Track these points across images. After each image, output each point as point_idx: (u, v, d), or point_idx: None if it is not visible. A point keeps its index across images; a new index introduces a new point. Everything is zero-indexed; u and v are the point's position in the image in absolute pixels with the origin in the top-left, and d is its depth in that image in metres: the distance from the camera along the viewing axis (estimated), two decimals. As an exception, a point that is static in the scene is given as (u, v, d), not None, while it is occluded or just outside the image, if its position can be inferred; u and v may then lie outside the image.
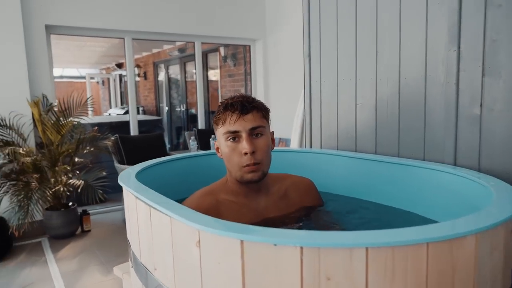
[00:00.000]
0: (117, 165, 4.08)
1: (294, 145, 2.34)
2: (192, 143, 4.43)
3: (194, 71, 6.45)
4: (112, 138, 4.10)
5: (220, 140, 1.22)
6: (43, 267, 2.86)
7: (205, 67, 6.54)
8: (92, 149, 3.74)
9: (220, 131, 1.21)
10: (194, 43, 4.67)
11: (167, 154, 4.26)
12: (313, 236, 0.80)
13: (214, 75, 6.50)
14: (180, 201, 1.24)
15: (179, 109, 7.27)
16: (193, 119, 6.54)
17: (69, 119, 3.38)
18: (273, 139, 1.32)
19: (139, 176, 1.34)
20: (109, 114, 8.63)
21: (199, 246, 0.85)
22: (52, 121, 3.31)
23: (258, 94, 5.05)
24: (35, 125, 3.36)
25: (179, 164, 1.61)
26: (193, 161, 1.66)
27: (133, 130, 4.44)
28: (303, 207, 1.37)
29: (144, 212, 1.10)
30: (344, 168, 1.66)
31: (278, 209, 1.30)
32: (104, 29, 3.94)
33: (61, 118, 3.33)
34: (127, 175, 1.34)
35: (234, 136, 1.19)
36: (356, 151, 1.77)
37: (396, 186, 1.51)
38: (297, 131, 2.21)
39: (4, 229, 3.07)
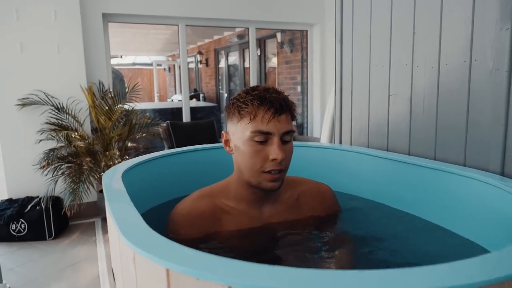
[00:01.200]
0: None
1: (324, 140, 2.12)
2: None
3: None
4: (163, 124, 4.19)
5: (240, 136, 1.04)
6: (92, 247, 2.99)
7: (263, 53, 6.42)
8: (144, 134, 3.85)
9: (245, 127, 1.02)
10: (248, 29, 4.56)
11: (217, 142, 4.24)
12: (247, 273, 0.58)
13: (272, 61, 6.35)
14: (177, 200, 1.14)
15: (237, 96, 7.25)
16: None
17: (118, 106, 3.48)
18: None
19: (130, 174, 1.23)
20: (172, 100, 8.94)
21: (134, 265, 0.73)
22: (107, 107, 3.45)
23: (314, 81, 4.81)
24: (90, 111, 3.52)
25: (179, 159, 1.49)
26: (196, 156, 1.54)
27: (185, 117, 4.49)
28: (315, 217, 1.20)
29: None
30: (372, 168, 1.44)
31: (284, 218, 1.15)
32: (158, 16, 3.98)
33: (111, 104, 3.45)
34: (111, 174, 1.19)
35: (265, 138, 1.01)
36: (387, 150, 1.53)
37: (429, 194, 1.26)
38: (327, 125, 1.99)
39: (60, 208, 3.28)
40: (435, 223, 1.25)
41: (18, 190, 3.38)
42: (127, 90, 4.31)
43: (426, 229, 1.25)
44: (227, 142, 1.12)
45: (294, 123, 1.10)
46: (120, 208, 0.91)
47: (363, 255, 1.11)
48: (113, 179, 1.10)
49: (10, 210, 3.16)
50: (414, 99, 1.40)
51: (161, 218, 1.11)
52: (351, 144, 1.70)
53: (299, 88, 5.23)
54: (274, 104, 1.01)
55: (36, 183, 3.26)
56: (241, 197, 1.11)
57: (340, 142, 1.75)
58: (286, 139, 1.03)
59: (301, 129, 5.18)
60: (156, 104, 7.74)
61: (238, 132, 1.05)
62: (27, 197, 3.34)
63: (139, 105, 6.02)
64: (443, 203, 1.22)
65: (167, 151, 1.41)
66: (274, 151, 1.00)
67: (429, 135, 1.36)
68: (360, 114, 1.64)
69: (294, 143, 1.58)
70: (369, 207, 1.43)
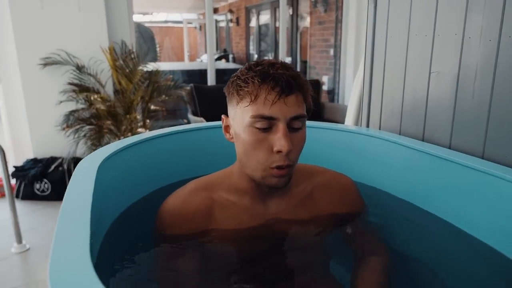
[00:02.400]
0: (190, 116, 4.05)
1: (349, 121, 1.86)
2: None
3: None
4: (187, 88, 4.05)
5: (240, 121, 0.85)
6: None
7: (295, 12, 6.04)
8: (166, 98, 3.74)
9: (245, 110, 0.83)
10: (279, -15, 4.23)
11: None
12: None
13: (305, 22, 5.97)
14: (170, 187, 0.99)
15: (267, 57, 6.98)
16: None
17: (139, 68, 3.35)
18: None
19: (115, 160, 1.04)
20: (201, 61, 8.75)
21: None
22: (128, 70, 3.34)
23: (348, 44, 4.48)
24: (112, 72, 3.43)
25: (172, 140, 1.29)
26: (195, 136, 1.35)
27: (210, 80, 4.32)
28: (333, 214, 1.01)
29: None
30: (404, 161, 1.21)
31: (295, 216, 0.96)
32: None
33: (132, 66, 3.33)
34: (83, 169, 0.96)
35: (269, 124, 0.82)
36: (423, 140, 1.29)
37: (473, 203, 1.03)
38: (353, 103, 1.72)
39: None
40: (482, 240, 1.01)
41: (43, 150, 3.41)
42: (157, 48, 4.15)
43: (471, 245, 1.04)
44: (227, 128, 0.93)
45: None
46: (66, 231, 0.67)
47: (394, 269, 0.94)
48: (84, 174, 0.90)
49: (35, 170, 3.20)
50: (462, 80, 1.13)
51: (151, 209, 0.97)
52: (380, 129, 1.46)
53: (331, 51, 4.90)
54: (279, 82, 0.81)
55: (60, 144, 3.26)
56: (243, 190, 0.94)
57: (368, 125, 1.50)
58: (295, 125, 0.84)
59: (332, 95, 4.90)
60: (185, 65, 7.57)
61: (237, 117, 0.87)
62: (51, 157, 3.37)
63: (167, 66, 5.91)
64: (492, 216, 0.99)
65: (158, 132, 1.23)
66: (279, 141, 0.81)
67: (479, 126, 1.10)
68: (393, 93, 1.38)
69: (310, 123, 1.37)
70: (397, 206, 1.22)
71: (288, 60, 6.27)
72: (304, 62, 5.90)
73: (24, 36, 3.18)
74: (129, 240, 1.03)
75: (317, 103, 4.61)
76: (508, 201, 0.95)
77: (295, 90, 0.83)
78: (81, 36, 3.33)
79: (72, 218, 0.71)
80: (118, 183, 1.10)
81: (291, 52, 6.26)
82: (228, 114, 0.92)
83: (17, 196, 3.14)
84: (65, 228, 0.67)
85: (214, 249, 0.94)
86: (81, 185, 0.86)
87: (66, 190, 0.84)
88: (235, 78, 0.87)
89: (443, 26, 1.20)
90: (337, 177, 1.04)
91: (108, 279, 0.85)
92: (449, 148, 1.20)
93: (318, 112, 4.72)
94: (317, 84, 4.66)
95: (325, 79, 4.96)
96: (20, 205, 3.04)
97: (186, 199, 0.94)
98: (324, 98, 5.01)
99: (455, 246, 1.08)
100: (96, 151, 1.08)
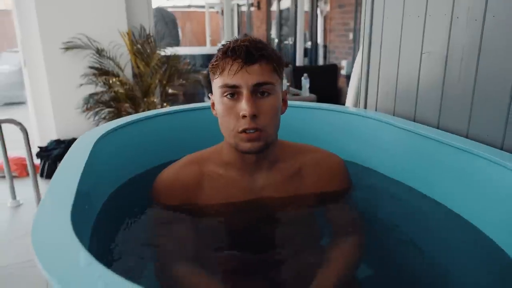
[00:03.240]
0: (206, 99, 4.12)
1: (349, 102, 1.86)
2: (305, 81, 3.74)
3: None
4: (205, 72, 4.11)
5: (216, 94, 0.95)
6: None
7: (316, -4, 5.94)
8: (183, 81, 3.81)
9: (216, 83, 0.93)
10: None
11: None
12: None
13: (326, 5, 5.86)
14: (163, 166, 1.06)
15: (287, 42, 6.91)
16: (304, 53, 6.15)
17: (157, 52, 3.42)
18: (285, 100, 1.00)
19: (115, 136, 1.11)
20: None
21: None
22: (147, 53, 3.41)
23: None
24: (130, 56, 3.51)
25: (169, 119, 1.34)
26: (189, 116, 1.40)
27: (227, 64, 4.36)
28: (320, 193, 1.05)
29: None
30: (394, 141, 1.22)
31: (282, 190, 1.01)
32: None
33: (149, 50, 3.40)
34: (81, 143, 1.03)
35: (233, 92, 0.90)
36: (414, 120, 1.29)
37: (455, 181, 1.04)
38: (353, 85, 1.72)
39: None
40: (463, 216, 1.04)
41: (66, 132, 3.55)
42: (180, 33, 4.21)
43: (449, 220, 1.05)
44: (212, 105, 1.00)
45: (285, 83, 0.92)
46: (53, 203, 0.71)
47: (372, 243, 0.98)
48: (79, 148, 0.98)
49: (57, 150, 3.35)
50: (450, 60, 1.13)
51: (146, 184, 1.04)
52: (376, 110, 1.47)
53: (351, 35, 4.82)
54: (239, 54, 0.87)
55: (82, 125, 3.38)
56: (231, 163, 1.00)
57: (365, 106, 1.52)
58: (261, 91, 0.90)
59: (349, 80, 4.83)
60: (206, 49, 7.63)
61: (214, 91, 0.95)
62: (73, 138, 3.50)
63: (188, 50, 5.97)
64: (472, 194, 1.01)
65: (155, 111, 1.29)
66: (242, 106, 0.88)
67: (464, 106, 1.11)
68: (388, 74, 1.38)
69: (304, 104, 1.40)
70: (386, 185, 1.24)
71: (308, 44, 6.20)
72: (324, 47, 5.83)
73: (47, 21, 3.29)
74: (125, 212, 1.10)
75: (334, 88, 4.58)
76: (488, 180, 0.96)
77: (259, 59, 0.88)
78: (101, 20, 3.42)
79: (61, 183, 0.78)
80: (115, 159, 1.17)
81: (311, 37, 6.18)
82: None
83: (41, 175, 3.30)
84: (54, 191, 0.73)
85: (204, 219, 1.01)
86: (76, 156, 0.93)
87: (62, 160, 0.92)
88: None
89: (434, 7, 1.19)
90: (327, 157, 1.08)
91: (104, 245, 0.92)
92: (437, 128, 1.21)
93: (335, 97, 4.68)
94: (334, 68, 4.61)
95: (343, 63, 4.90)
96: (44, 183, 3.19)
97: (179, 172, 1.01)
98: (342, 83, 4.95)
99: (442, 224, 1.10)
100: (95, 128, 1.15)
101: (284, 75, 1.01)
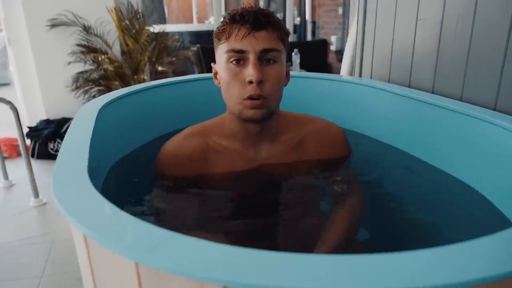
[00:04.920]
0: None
1: (343, 71, 1.88)
2: (295, 56, 3.73)
3: (292, -25, 5.85)
4: (194, 48, 4.07)
5: (220, 61, 0.94)
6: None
7: (304, -30, 5.85)
8: (173, 58, 3.77)
9: (221, 49, 0.92)
10: None
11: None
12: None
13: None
14: (167, 136, 1.06)
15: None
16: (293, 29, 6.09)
17: (146, 28, 3.37)
18: (288, 73, 1.01)
19: (113, 107, 1.10)
20: (210, 22, 8.62)
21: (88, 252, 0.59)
22: (135, 29, 3.35)
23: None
24: (118, 33, 3.45)
25: (170, 90, 1.34)
26: (189, 87, 1.40)
27: (217, 41, 4.31)
28: (321, 160, 1.07)
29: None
30: (390, 107, 1.25)
31: (284, 160, 1.03)
32: None
33: (136, 26, 3.35)
34: (86, 111, 1.01)
35: (239, 57, 0.89)
36: (409, 86, 1.33)
37: (450, 142, 1.08)
38: (348, 54, 1.74)
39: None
40: (455, 175, 1.08)
41: (55, 111, 3.51)
42: (165, 9, 4.15)
43: (441, 181, 1.10)
44: (215, 74, 1.01)
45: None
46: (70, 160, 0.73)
47: (370, 204, 1.02)
48: (85, 115, 0.98)
49: (47, 130, 3.32)
50: (445, 26, 1.16)
51: (150, 154, 1.05)
52: (371, 77, 1.50)
53: (340, 10, 4.79)
54: (248, 19, 0.88)
55: (71, 104, 3.35)
56: (235, 135, 1.01)
57: (360, 75, 1.55)
58: (267, 57, 0.90)
59: (340, 56, 4.84)
60: (193, 26, 7.50)
61: (218, 57, 0.95)
62: (63, 118, 3.47)
63: (175, 27, 5.86)
64: (466, 153, 1.05)
65: (156, 82, 1.29)
66: (248, 71, 0.88)
67: (458, 69, 1.14)
68: (383, 42, 1.41)
69: (303, 74, 1.42)
70: (382, 150, 1.28)
71: (297, 20, 6.14)
72: (313, 23, 5.79)
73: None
74: (128, 183, 1.11)
75: (324, 63, 4.58)
76: (482, 140, 1.00)
77: (266, 26, 0.89)
78: (87, -4, 3.35)
79: (73, 146, 0.79)
80: (117, 129, 1.18)
81: (299, 13, 6.13)
82: (216, 61, 0.98)
83: (32, 156, 3.27)
84: (66, 154, 0.74)
85: (209, 189, 1.03)
86: (83, 124, 0.93)
87: (68, 128, 0.92)
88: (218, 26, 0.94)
89: (430, -27, 1.21)
90: (327, 126, 1.10)
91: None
92: (432, 92, 1.24)
93: (325, 72, 4.69)
94: (324, 44, 4.60)
95: (333, 39, 4.89)
96: (35, 163, 3.17)
97: (182, 143, 1.01)
98: (332, 58, 4.95)
99: (437, 185, 1.15)
100: (96, 98, 1.16)
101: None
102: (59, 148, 3.27)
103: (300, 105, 1.31)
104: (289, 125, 1.05)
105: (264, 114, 0.93)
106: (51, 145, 3.29)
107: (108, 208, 0.52)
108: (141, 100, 1.28)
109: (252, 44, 0.88)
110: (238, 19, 0.89)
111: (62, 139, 3.27)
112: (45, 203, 2.54)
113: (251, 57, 0.88)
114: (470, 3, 1.12)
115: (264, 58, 0.90)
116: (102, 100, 1.09)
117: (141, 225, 0.48)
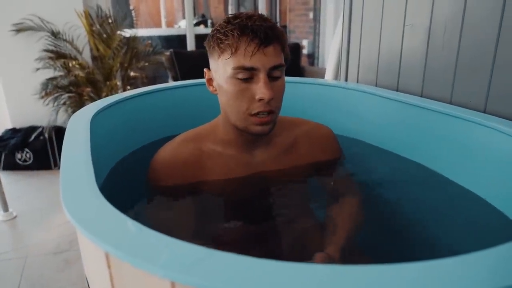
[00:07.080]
0: (171, 81, 4.03)
1: (328, 75, 1.91)
2: None
3: (263, -21, 5.89)
4: (167, 53, 4.00)
5: (223, 73, 0.90)
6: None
7: (274, -25, 5.92)
8: (146, 64, 3.69)
9: (227, 63, 0.88)
10: None
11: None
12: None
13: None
14: (160, 141, 1.03)
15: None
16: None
17: (118, 33, 3.28)
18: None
19: (105, 115, 1.07)
20: (179, 26, 8.53)
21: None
22: (107, 34, 3.26)
23: (328, 7, 4.45)
24: (89, 38, 3.34)
25: (162, 96, 1.31)
26: (181, 93, 1.38)
27: (190, 45, 4.28)
28: (314, 163, 1.08)
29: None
30: (379, 111, 1.28)
31: (279, 164, 1.03)
32: None
33: (109, 31, 3.26)
34: (79, 118, 1.00)
35: (249, 75, 0.87)
36: (397, 90, 1.36)
37: (441, 144, 1.11)
38: (333, 59, 1.77)
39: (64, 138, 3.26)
40: (446, 176, 1.11)
41: (21, 120, 3.35)
42: (133, 13, 4.08)
43: (433, 182, 1.13)
44: (210, 81, 0.98)
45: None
46: (72, 166, 0.73)
47: (366, 207, 1.02)
48: (78, 125, 0.94)
49: (14, 139, 3.16)
50: (433, 31, 1.20)
51: (142, 163, 1.01)
52: (357, 82, 1.53)
53: (311, 15, 4.87)
54: (258, 34, 0.84)
55: (39, 112, 3.21)
56: (229, 141, 1.00)
57: (346, 79, 1.57)
58: (275, 74, 0.89)
59: (312, 59, 4.92)
60: (162, 31, 7.39)
61: (220, 69, 0.91)
62: (31, 126, 3.32)
63: (144, 32, 5.75)
64: (456, 155, 1.08)
65: (147, 88, 1.26)
66: (260, 89, 0.86)
67: (447, 74, 1.18)
68: (370, 47, 1.44)
69: (291, 79, 1.42)
70: (373, 153, 1.30)
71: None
72: (283, 27, 5.85)
73: (-7, 1, 3.06)
74: (122, 191, 1.07)
75: (297, 67, 4.63)
76: (472, 141, 1.04)
77: (273, 40, 0.87)
78: (54, 0, 3.22)
79: (74, 160, 0.75)
80: (109, 137, 1.13)
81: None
82: (210, 67, 0.96)
83: (-2, 167, 3.12)
84: (69, 167, 0.70)
85: (205, 195, 1.00)
86: (78, 134, 0.89)
87: (64, 141, 0.88)
88: (215, 31, 0.91)
89: (416, -22, 1.24)
90: (317, 127, 1.11)
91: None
92: (421, 96, 1.28)
93: (298, 75, 4.74)
94: (297, 48, 4.65)
95: (305, 43, 4.96)
96: (3, 175, 3.01)
97: (176, 151, 0.99)
98: (304, 62, 5.02)
99: (428, 186, 1.17)
100: (86, 106, 1.11)
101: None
102: (28, 158, 3.14)
103: (292, 110, 1.31)
104: (283, 128, 1.05)
105: (271, 128, 0.93)
106: (18, 155, 3.14)
107: (132, 225, 0.49)
108: (132, 106, 1.24)
109: (262, 61, 0.86)
110: (248, 33, 0.85)
111: (31, 148, 3.12)
112: (15, 217, 2.42)
113: (262, 75, 0.87)
114: (458, 9, 1.15)
115: (272, 75, 0.89)
116: (93, 108, 1.05)
117: (172, 243, 0.45)
